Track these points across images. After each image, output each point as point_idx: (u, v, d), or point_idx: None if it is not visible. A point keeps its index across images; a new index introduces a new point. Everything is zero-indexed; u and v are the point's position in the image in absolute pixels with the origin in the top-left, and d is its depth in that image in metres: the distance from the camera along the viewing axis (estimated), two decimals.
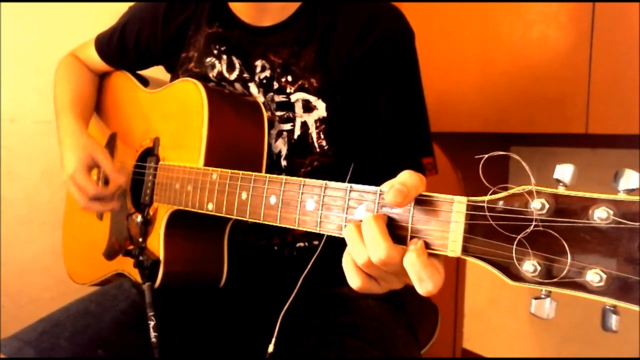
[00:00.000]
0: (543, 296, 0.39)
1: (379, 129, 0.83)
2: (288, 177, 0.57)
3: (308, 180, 0.55)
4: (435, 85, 1.27)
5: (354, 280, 0.49)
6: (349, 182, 0.53)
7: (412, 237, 0.46)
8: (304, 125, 0.84)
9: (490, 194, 0.42)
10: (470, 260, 0.43)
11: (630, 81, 1.01)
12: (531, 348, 1.64)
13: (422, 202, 0.46)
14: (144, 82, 1.02)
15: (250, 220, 0.62)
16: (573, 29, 1.11)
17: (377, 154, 0.84)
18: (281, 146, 0.85)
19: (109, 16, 1.04)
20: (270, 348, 0.69)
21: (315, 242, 0.88)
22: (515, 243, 0.40)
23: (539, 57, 1.18)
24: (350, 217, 0.51)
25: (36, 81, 1.47)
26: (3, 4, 1.41)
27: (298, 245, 0.88)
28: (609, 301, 0.36)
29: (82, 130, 0.95)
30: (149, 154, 0.88)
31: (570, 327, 1.50)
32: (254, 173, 0.63)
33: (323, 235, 0.54)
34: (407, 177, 0.46)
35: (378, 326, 0.77)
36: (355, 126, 0.84)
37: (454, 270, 1.74)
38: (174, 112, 0.86)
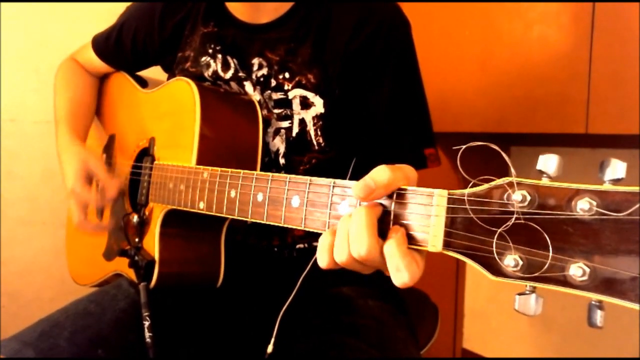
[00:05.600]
0: (527, 292, 0.38)
1: (379, 121, 0.83)
2: (275, 174, 0.57)
3: (293, 177, 0.54)
4: (435, 85, 1.27)
5: (323, 262, 0.49)
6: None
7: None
8: (302, 122, 0.83)
9: (471, 186, 0.41)
10: (452, 254, 0.42)
11: (630, 81, 1.01)
12: (531, 348, 1.64)
13: (403, 195, 0.45)
14: (143, 83, 1.02)
15: (239, 218, 0.62)
16: (573, 29, 1.11)
17: (378, 147, 0.84)
18: (279, 144, 0.85)
19: (109, 16, 1.04)
20: (270, 348, 0.69)
21: (315, 244, 0.87)
22: (496, 237, 0.38)
23: (539, 57, 1.18)
24: (334, 214, 0.50)
25: (36, 81, 1.47)
26: (3, 4, 1.41)
27: (298, 246, 0.88)
28: (594, 296, 0.35)
29: (76, 142, 0.95)
30: (146, 153, 0.88)
31: (570, 327, 1.50)
32: (242, 171, 0.62)
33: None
34: (377, 173, 0.46)
35: (377, 326, 0.77)
36: (354, 121, 0.84)
37: (454, 270, 1.74)
38: (168, 111, 0.86)
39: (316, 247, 0.59)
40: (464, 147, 0.41)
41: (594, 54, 1.07)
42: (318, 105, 0.82)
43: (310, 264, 0.69)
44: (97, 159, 0.93)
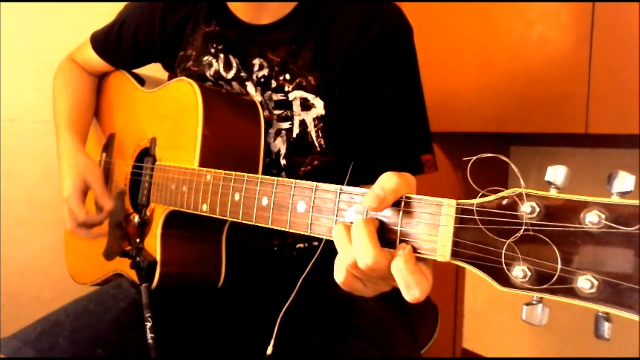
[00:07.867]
0: (535, 302, 0.38)
1: (378, 125, 0.83)
2: (280, 179, 0.57)
3: (299, 182, 0.54)
4: (435, 85, 1.27)
5: (339, 276, 0.49)
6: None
7: (401, 241, 0.46)
8: (303, 124, 0.84)
9: (480, 197, 0.41)
10: (460, 264, 0.42)
11: (630, 81, 1.01)
12: (531, 348, 1.64)
13: (411, 204, 0.45)
14: (141, 81, 1.02)
15: (243, 222, 0.62)
16: (573, 29, 1.11)
17: (376, 152, 0.84)
18: (280, 145, 0.85)
19: (109, 16, 1.04)
20: (270, 349, 0.69)
21: (316, 244, 0.87)
22: (505, 248, 0.39)
23: (539, 57, 1.17)
24: (340, 220, 0.50)
25: (36, 81, 1.47)
26: (3, 4, 1.41)
27: (298, 246, 0.88)
28: (601, 308, 0.35)
29: (79, 149, 0.98)
30: (147, 154, 0.88)
31: (570, 327, 1.50)
32: (246, 174, 0.62)
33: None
34: (385, 180, 0.46)
35: (379, 327, 0.77)
36: (354, 124, 0.84)
37: (454, 270, 1.74)
38: (170, 112, 0.86)
39: (316, 247, 0.59)
40: (474, 158, 0.41)
41: (594, 54, 1.07)
42: (319, 107, 0.82)
43: (311, 264, 0.69)
44: (97, 173, 0.95)
